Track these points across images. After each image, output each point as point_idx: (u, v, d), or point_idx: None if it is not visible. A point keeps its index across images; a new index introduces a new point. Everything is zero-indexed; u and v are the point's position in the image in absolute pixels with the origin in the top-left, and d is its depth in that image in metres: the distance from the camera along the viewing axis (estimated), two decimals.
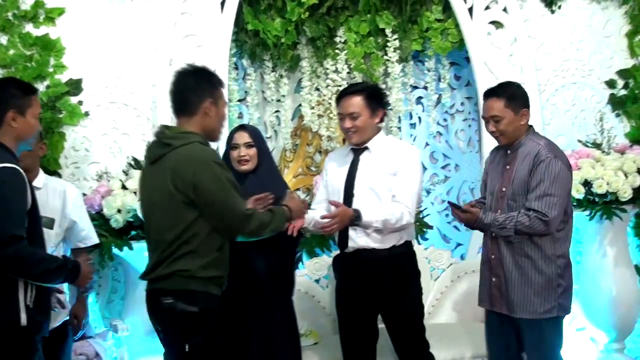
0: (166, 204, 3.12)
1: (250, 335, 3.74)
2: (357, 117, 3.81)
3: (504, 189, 3.78)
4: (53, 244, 3.71)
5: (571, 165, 3.84)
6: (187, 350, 3.09)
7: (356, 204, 3.81)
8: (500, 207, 3.78)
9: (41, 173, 3.87)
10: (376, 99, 3.88)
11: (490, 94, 3.81)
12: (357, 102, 3.82)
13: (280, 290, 3.82)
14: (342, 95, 3.92)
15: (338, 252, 4.02)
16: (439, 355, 4.20)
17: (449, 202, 4.02)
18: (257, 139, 3.86)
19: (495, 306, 3.86)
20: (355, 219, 3.70)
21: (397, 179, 3.81)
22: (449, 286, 5.07)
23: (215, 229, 3.14)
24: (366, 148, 3.89)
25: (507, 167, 3.79)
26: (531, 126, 3.83)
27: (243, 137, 3.84)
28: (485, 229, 3.81)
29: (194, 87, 3.24)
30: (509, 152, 3.81)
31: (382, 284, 3.85)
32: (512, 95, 3.76)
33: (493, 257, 3.84)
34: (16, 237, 2.93)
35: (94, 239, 4.04)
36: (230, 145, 3.88)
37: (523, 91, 3.84)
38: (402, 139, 5.53)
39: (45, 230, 3.38)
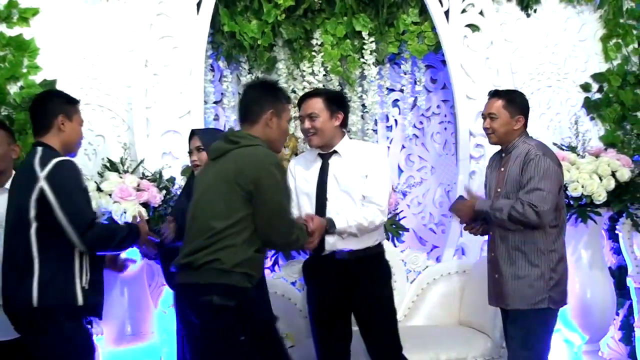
0: (224, 194, 3.21)
1: None
2: (316, 117, 3.83)
3: (499, 190, 3.94)
4: None
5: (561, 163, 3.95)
6: (242, 338, 3.16)
7: (330, 208, 3.82)
8: None
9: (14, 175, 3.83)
10: (336, 102, 3.91)
11: (493, 94, 4.02)
12: (316, 104, 3.85)
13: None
14: (303, 98, 3.98)
15: (308, 257, 4.02)
16: (413, 358, 4.20)
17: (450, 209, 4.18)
18: (208, 143, 3.82)
19: (492, 301, 4.00)
20: (329, 228, 3.71)
21: (368, 179, 3.83)
22: (425, 288, 5.07)
23: (260, 230, 3.23)
24: (335, 152, 3.90)
25: (502, 169, 3.95)
26: (526, 132, 3.97)
27: (194, 142, 3.94)
28: (483, 211, 3.90)
29: (256, 99, 3.40)
30: (503, 155, 3.98)
31: (355, 285, 3.85)
32: (512, 99, 3.96)
33: (492, 254, 3.98)
34: (94, 219, 3.28)
35: None
36: (188, 151, 3.97)
37: (524, 100, 4.03)
38: (378, 142, 5.55)
39: None
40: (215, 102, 5.21)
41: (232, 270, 3.16)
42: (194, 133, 3.98)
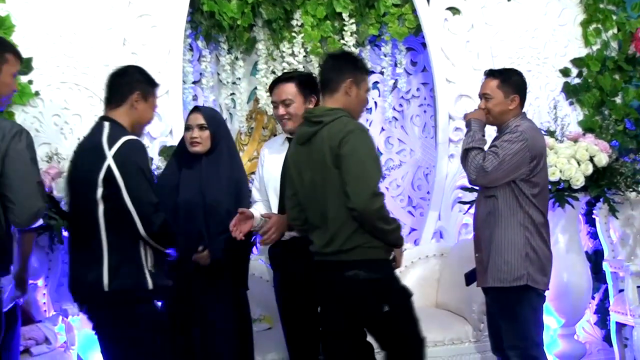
0: (331, 180, 3.28)
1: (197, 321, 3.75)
2: (290, 103, 3.84)
3: None
4: None
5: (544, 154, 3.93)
6: (386, 309, 3.31)
7: None
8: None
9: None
10: (309, 86, 3.91)
11: (488, 74, 4.02)
12: (290, 89, 3.86)
13: (233, 281, 3.82)
14: (275, 83, 3.96)
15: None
16: None
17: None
18: (212, 122, 3.83)
19: (477, 280, 3.99)
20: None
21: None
22: (403, 271, 5.06)
23: (346, 194, 3.24)
24: None
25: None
26: (524, 113, 3.97)
27: (197, 119, 3.82)
28: (468, 124, 3.97)
29: (336, 67, 3.47)
30: (498, 135, 3.97)
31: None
32: (507, 78, 3.95)
33: (475, 233, 4.00)
34: (158, 205, 3.23)
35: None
36: (185, 126, 3.86)
37: (520, 80, 4.01)
38: None
39: None
40: (193, 82, 5.17)
41: (376, 245, 3.30)
42: (198, 109, 3.90)
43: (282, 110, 3.86)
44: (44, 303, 4.51)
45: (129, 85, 3.35)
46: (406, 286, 3.52)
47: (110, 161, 3.12)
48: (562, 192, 4.79)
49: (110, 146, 3.15)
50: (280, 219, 3.71)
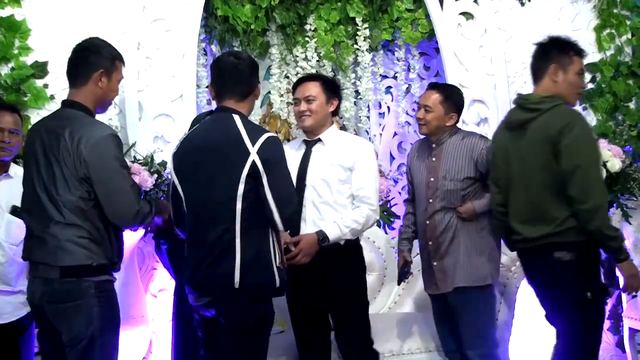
0: (546, 169, 3.32)
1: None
2: (313, 100, 3.86)
3: (432, 179, 4.05)
4: None
5: None
6: (589, 297, 3.32)
7: (307, 195, 3.82)
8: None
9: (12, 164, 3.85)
10: (332, 88, 3.95)
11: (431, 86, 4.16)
12: (314, 87, 3.89)
13: None
14: (299, 82, 4.00)
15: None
16: (403, 346, 4.21)
17: None
18: None
19: (435, 286, 4.02)
20: (322, 241, 3.70)
21: (356, 175, 3.84)
22: (416, 275, 5.07)
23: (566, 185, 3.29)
24: (319, 140, 3.91)
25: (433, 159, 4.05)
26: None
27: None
28: (485, 211, 3.90)
29: (541, 54, 3.55)
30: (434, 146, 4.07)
31: (329, 276, 3.83)
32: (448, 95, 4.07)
33: (430, 243, 4.00)
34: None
35: None
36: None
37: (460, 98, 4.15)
38: (370, 128, 5.55)
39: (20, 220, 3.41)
40: (207, 86, 5.18)
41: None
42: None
43: (303, 107, 3.87)
44: None
45: (254, 79, 3.33)
46: (606, 284, 3.53)
47: (254, 157, 3.06)
48: None
49: (253, 142, 3.09)
50: (310, 240, 3.69)
